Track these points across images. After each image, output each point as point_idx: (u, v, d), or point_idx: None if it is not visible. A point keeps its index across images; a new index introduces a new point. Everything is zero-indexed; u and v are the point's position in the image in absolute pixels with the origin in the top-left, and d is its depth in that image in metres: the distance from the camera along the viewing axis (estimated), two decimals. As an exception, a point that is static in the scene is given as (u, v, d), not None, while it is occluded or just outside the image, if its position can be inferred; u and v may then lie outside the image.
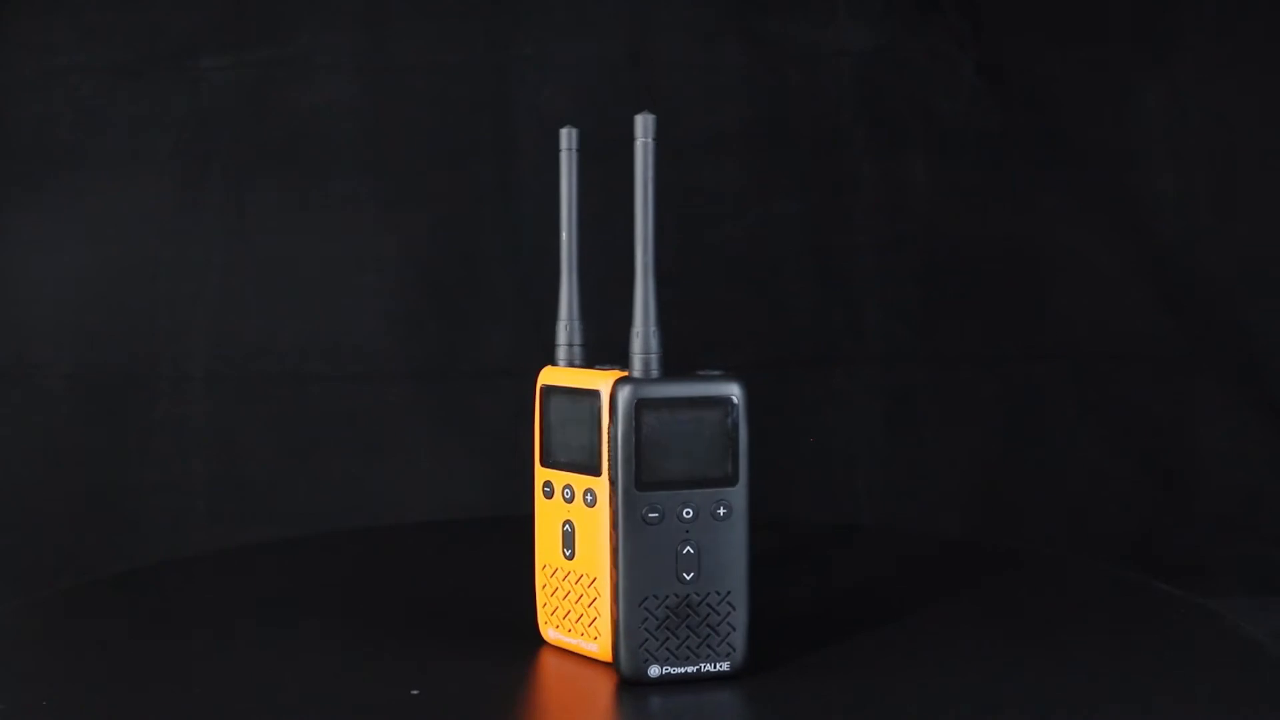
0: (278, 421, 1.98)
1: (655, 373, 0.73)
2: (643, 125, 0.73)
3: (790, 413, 2.05)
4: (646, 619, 0.71)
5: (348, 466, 1.98)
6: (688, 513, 0.71)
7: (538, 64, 2.01)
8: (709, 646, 0.72)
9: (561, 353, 0.81)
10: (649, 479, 0.71)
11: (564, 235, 0.82)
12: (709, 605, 0.72)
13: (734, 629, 0.72)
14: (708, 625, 0.72)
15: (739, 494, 0.72)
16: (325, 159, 1.99)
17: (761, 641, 0.74)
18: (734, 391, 0.73)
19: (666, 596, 0.71)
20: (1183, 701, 0.71)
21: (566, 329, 0.81)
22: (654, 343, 0.74)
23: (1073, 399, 2.07)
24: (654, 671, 0.72)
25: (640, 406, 0.71)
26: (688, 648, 0.72)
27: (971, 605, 0.91)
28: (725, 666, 0.72)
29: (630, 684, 0.72)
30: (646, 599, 0.71)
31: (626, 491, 0.71)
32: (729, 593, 0.72)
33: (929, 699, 0.71)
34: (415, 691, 0.73)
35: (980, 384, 2.07)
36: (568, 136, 0.84)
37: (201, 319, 1.97)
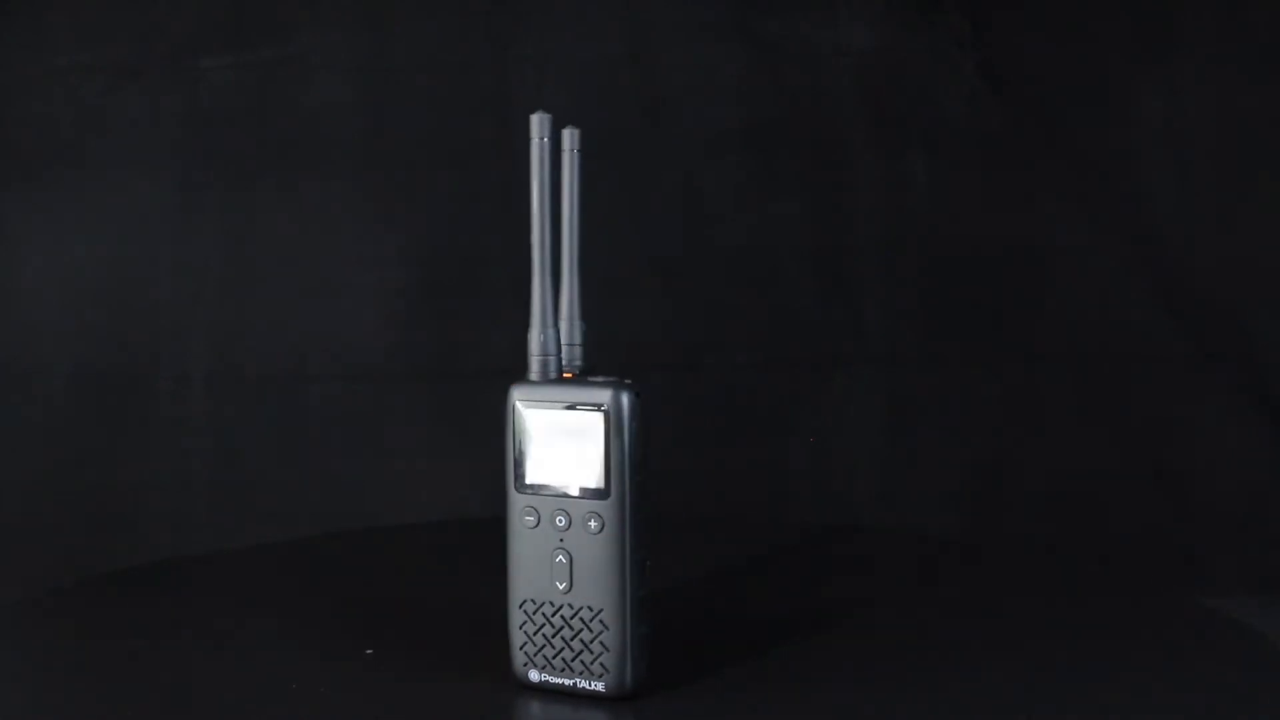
0: (278, 421, 1.98)
1: (553, 374, 0.71)
2: (538, 125, 0.71)
3: (790, 413, 2.05)
4: (525, 622, 0.71)
5: (348, 466, 1.98)
6: (561, 520, 0.70)
7: (538, 64, 2.01)
8: (583, 662, 0.70)
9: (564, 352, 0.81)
10: (526, 482, 0.71)
11: (566, 233, 0.82)
12: (581, 620, 0.69)
13: (607, 650, 0.69)
14: (580, 640, 0.70)
15: (613, 508, 0.68)
16: (325, 159, 1.99)
17: (686, 657, 0.73)
18: (609, 400, 0.68)
19: (543, 603, 0.70)
20: (1183, 701, 0.71)
21: (568, 329, 0.82)
22: (552, 344, 0.71)
23: (1073, 399, 2.07)
24: (534, 676, 0.71)
25: (520, 409, 0.70)
26: (563, 659, 0.70)
27: (964, 608, 0.90)
28: (600, 687, 0.69)
29: (520, 685, 0.71)
30: (525, 602, 0.71)
31: (510, 492, 0.71)
32: (601, 611, 0.69)
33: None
34: (369, 651, 0.75)
35: (980, 384, 2.07)
36: (570, 137, 0.83)
37: (201, 319, 1.97)
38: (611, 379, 0.70)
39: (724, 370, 2.02)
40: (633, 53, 2.03)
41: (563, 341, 0.80)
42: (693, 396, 2.00)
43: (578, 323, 0.81)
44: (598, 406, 0.68)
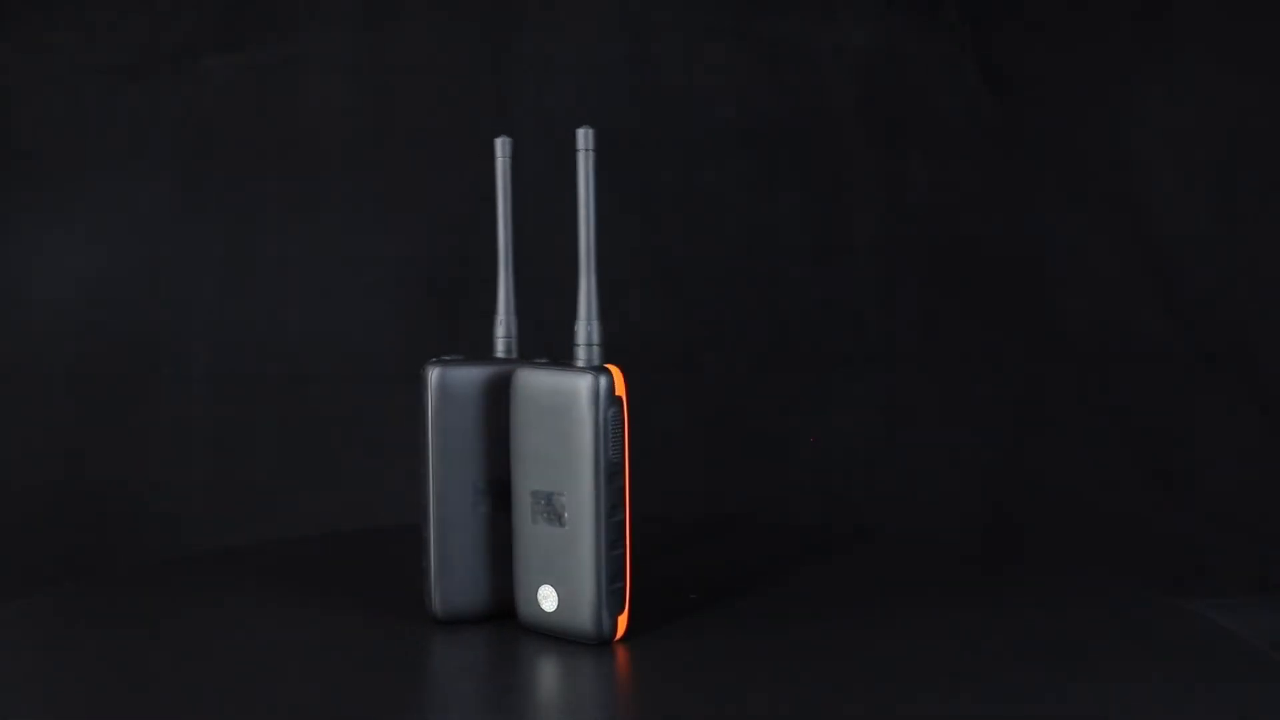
0: (278, 421, 1.98)
1: (514, 354, 0.95)
2: (502, 146, 0.94)
3: (790, 413, 2.05)
4: None
5: (348, 466, 1.98)
6: None
7: (538, 64, 2.01)
8: None
9: (581, 352, 0.82)
10: None
11: (584, 233, 0.82)
12: None
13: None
14: None
15: None
16: (325, 159, 1.99)
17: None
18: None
19: None
20: (1180, 702, 0.71)
21: (586, 328, 0.82)
22: (514, 328, 0.95)
23: (1073, 399, 2.07)
24: None
25: None
26: None
27: (961, 608, 0.90)
28: None
29: None
30: None
31: None
32: None
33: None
34: (693, 595, 0.88)
35: (980, 384, 2.07)
36: (584, 137, 0.83)
37: (201, 319, 1.97)
38: (423, 363, 0.89)
39: (724, 370, 2.02)
40: (633, 53, 2.03)
41: (581, 341, 0.81)
42: (693, 396, 2.00)
43: (596, 322, 0.81)
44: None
